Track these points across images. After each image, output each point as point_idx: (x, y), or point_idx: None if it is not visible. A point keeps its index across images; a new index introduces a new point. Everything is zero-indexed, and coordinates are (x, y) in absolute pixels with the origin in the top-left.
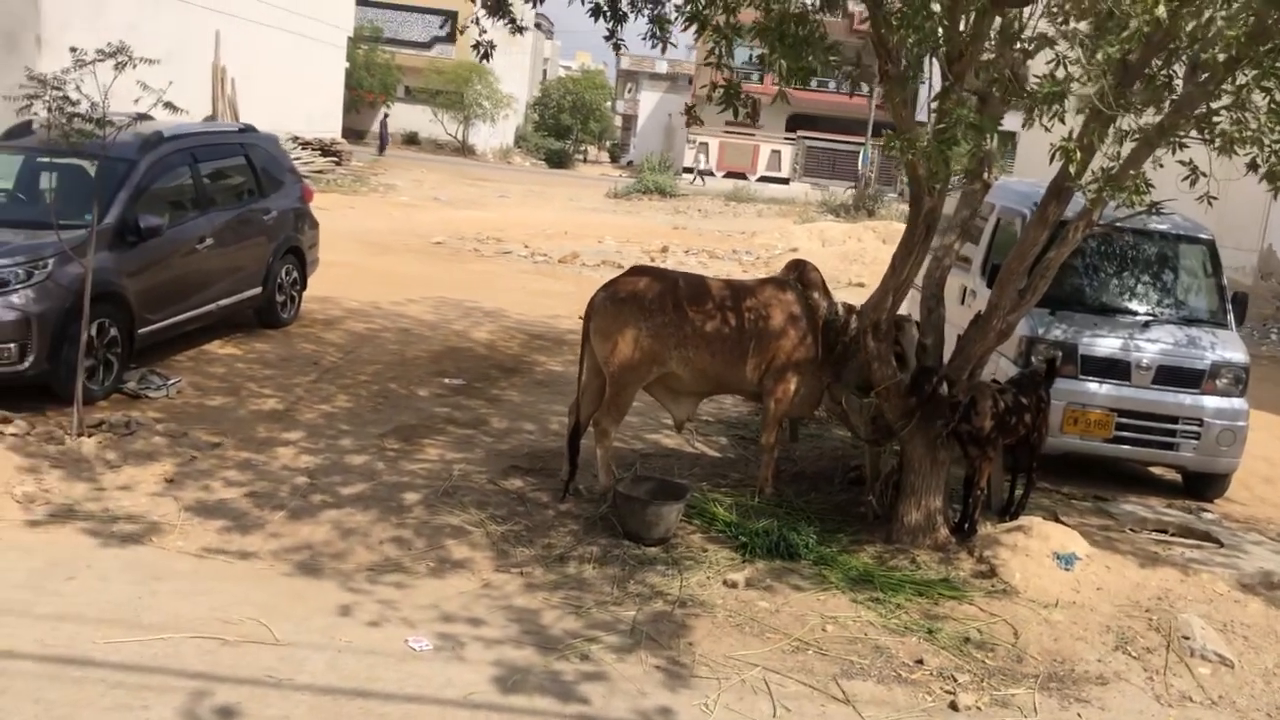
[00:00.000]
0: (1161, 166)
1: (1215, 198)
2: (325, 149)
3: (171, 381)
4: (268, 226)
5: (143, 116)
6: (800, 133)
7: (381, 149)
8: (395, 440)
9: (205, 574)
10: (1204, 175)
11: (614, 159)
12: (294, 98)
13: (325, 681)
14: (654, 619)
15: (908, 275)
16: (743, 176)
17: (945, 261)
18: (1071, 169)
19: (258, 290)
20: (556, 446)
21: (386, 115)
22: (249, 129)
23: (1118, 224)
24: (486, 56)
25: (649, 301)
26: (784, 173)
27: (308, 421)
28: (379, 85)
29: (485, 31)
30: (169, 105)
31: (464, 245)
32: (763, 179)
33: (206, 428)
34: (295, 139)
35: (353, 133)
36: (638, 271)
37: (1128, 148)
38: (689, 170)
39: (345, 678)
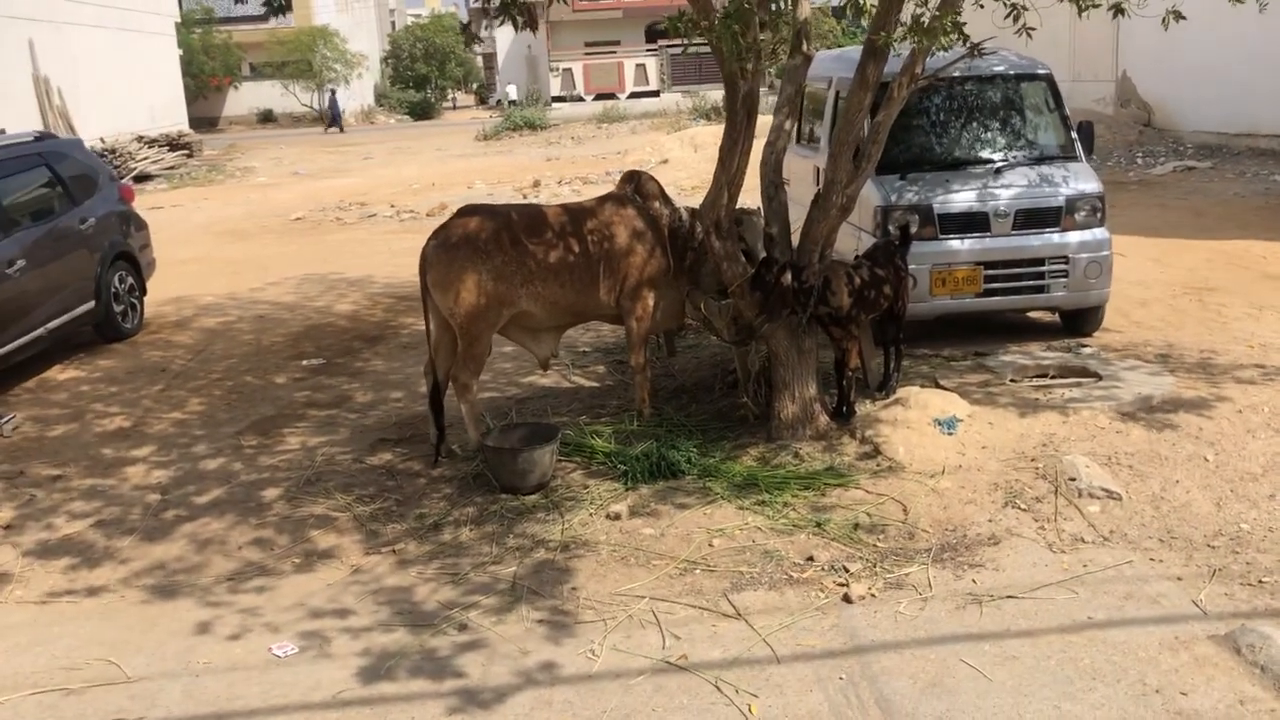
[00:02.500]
0: (982, 6)
1: (1034, 29)
2: (173, 143)
3: (5, 419)
4: (87, 236)
5: None
6: (661, 42)
7: (339, 127)
8: (253, 436)
9: (47, 621)
10: (1024, 9)
11: (482, 101)
12: (130, 96)
13: (182, 711)
14: (535, 570)
15: (738, 166)
16: (613, 96)
17: (779, 144)
18: (864, 21)
19: (91, 305)
20: (425, 411)
21: (334, 91)
22: (46, 136)
23: (940, 72)
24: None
25: (484, 242)
26: (653, 85)
27: (158, 433)
28: (221, 68)
29: None
30: None
31: (325, 216)
32: (633, 95)
33: (47, 461)
34: (140, 138)
35: (204, 120)
36: (467, 212)
37: None
38: (559, 99)
39: (204, 703)
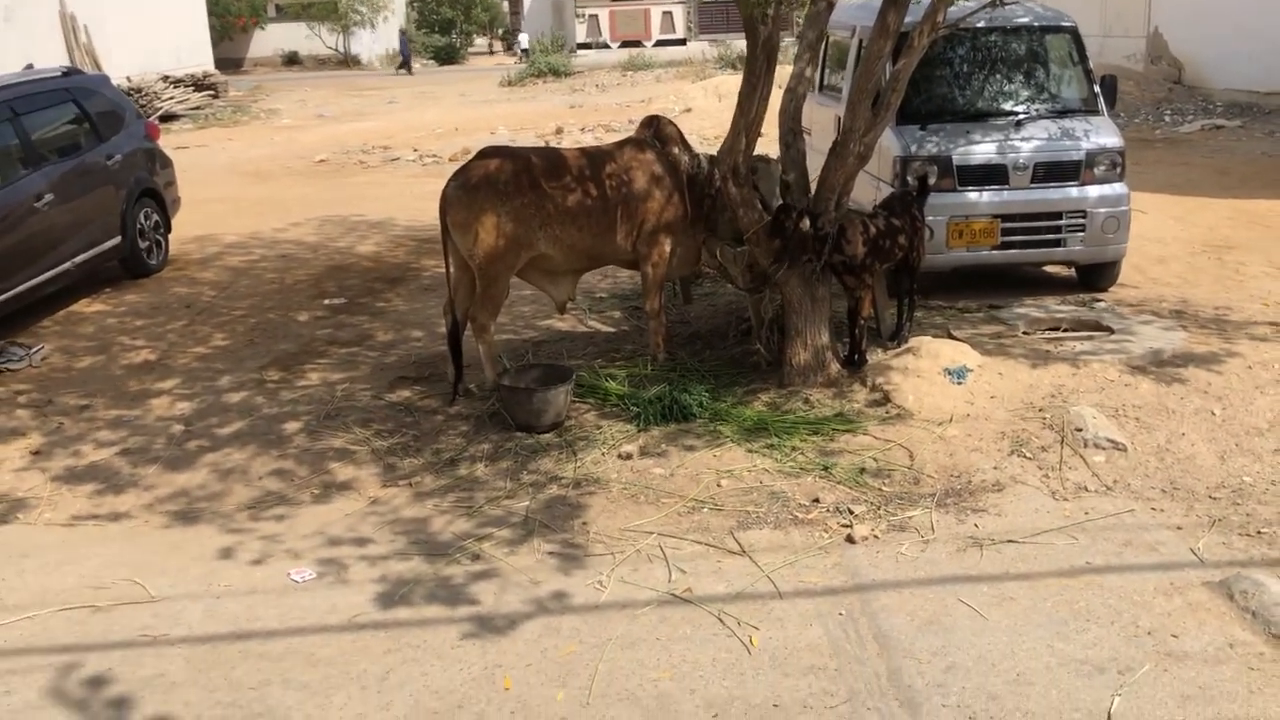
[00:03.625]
0: None
1: None
2: (199, 84)
3: (34, 350)
4: (114, 172)
5: None
6: None
7: (407, 67)
8: (275, 371)
9: (75, 542)
10: None
11: (508, 47)
12: (156, 35)
13: (203, 630)
14: (548, 505)
15: (756, 113)
16: (639, 44)
17: (799, 90)
18: None
19: (117, 240)
20: (444, 350)
21: (403, 31)
22: (74, 72)
23: (961, 21)
24: None
25: (504, 184)
26: (679, 33)
27: (182, 367)
28: (247, 8)
29: None
30: None
31: (349, 159)
32: (660, 43)
33: (75, 391)
34: (166, 78)
35: (229, 62)
36: (487, 154)
37: None
38: (585, 46)
39: (224, 623)
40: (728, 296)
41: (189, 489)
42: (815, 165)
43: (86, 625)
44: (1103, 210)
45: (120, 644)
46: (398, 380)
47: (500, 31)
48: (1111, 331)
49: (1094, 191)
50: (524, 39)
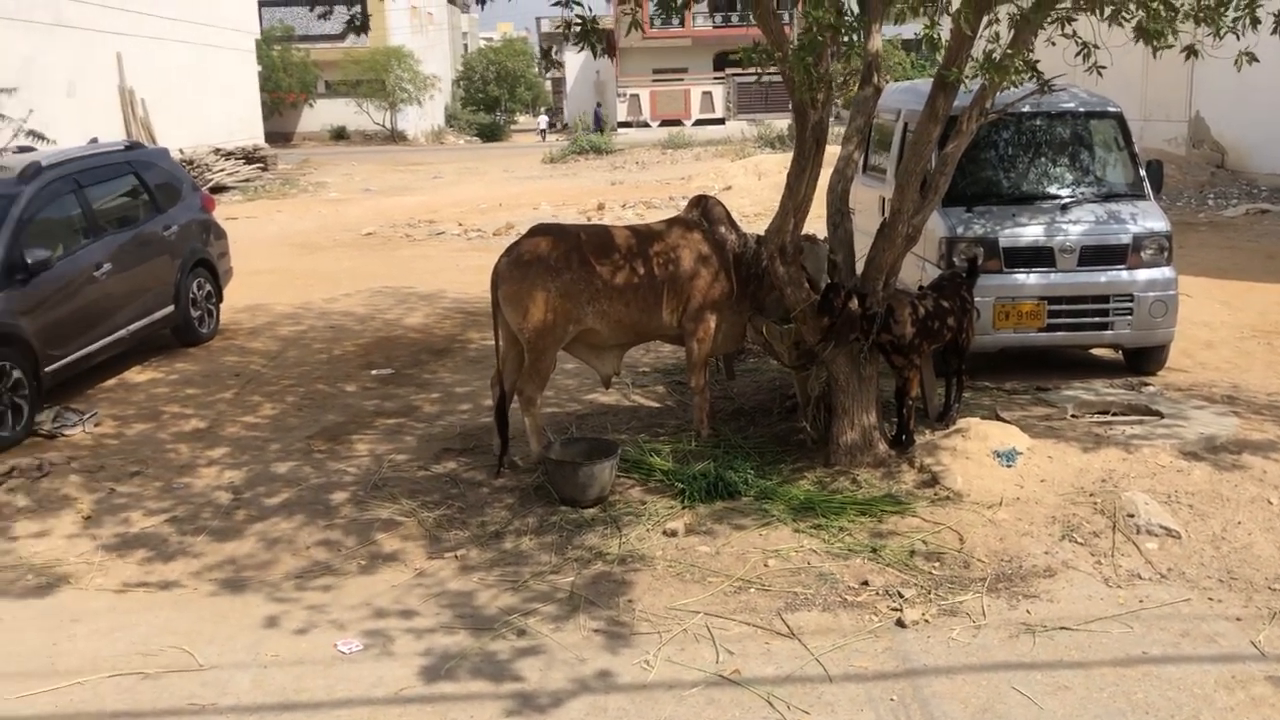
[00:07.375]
0: (1053, 44)
1: (1105, 67)
2: (249, 157)
3: (88, 416)
4: (170, 243)
5: (23, 148)
6: (728, 71)
7: (601, 128)
8: (322, 441)
9: (124, 609)
10: (1095, 47)
11: (552, 126)
12: (210, 109)
13: (250, 700)
14: (593, 581)
15: (805, 194)
16: (678, 123)
17: (847, 172)
18: (937, 56)
19: (170, 309)
20: (490, 423)
21: (599, 105)
22: (135, 145)
23: (1009, 107)
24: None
25: (554, 260)
26: (718, 113)
27: (231, 436)
28: (298, 84)
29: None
30: (34, 134)
31: (395, 233)
32: (699, 122)
33: (125, 458)
34: (217, 150)
35: (279, 135)
36: (538, 231)
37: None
38: (625, 124)
39: (271, 693)
40: (771, 373)
41: (236, 558)
42: (860, 245)
43: (136, 692)
44: (1150, 294)
45: (169, 712)
46: (443, 452)
47: (544, 109)
48: (1162, 416)
49: (1141, 275)
50: (542, 120)
